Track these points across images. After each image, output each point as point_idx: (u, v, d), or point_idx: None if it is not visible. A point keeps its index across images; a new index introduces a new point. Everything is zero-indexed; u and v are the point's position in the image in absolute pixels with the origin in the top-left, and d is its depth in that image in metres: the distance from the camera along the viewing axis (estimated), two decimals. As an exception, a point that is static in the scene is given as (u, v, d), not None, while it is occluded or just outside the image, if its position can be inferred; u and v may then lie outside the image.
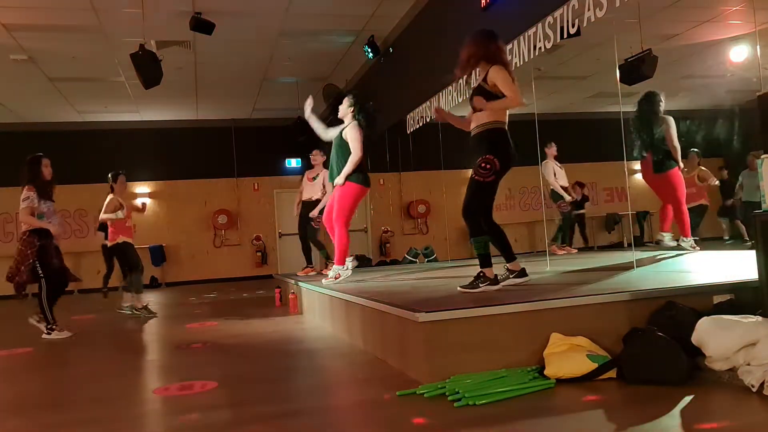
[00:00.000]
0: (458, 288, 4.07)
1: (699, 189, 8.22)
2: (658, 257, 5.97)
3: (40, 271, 5.98)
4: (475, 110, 4.05)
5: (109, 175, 7.52)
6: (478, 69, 4.10)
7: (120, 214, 7.31)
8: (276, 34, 8.66)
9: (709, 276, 4.06)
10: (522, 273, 4.15)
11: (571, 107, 13.59)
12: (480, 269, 4.03)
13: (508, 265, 4.16)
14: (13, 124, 12.52)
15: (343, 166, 5.85)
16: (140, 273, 7.59)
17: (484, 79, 3.98)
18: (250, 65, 10.01)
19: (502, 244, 4.10)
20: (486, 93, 3.95)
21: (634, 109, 6.74)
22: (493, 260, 4.07)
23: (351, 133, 5.84)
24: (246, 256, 14.07)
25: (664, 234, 6.77)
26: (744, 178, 9.83)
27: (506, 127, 4.04)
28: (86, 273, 13.11)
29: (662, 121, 6.49)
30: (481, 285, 3.96)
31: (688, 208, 6.80)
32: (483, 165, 3.92)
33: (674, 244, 6.66)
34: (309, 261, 8.26)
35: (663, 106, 6.57)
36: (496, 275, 4.04)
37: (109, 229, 7.52)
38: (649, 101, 6.57)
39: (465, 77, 4.24)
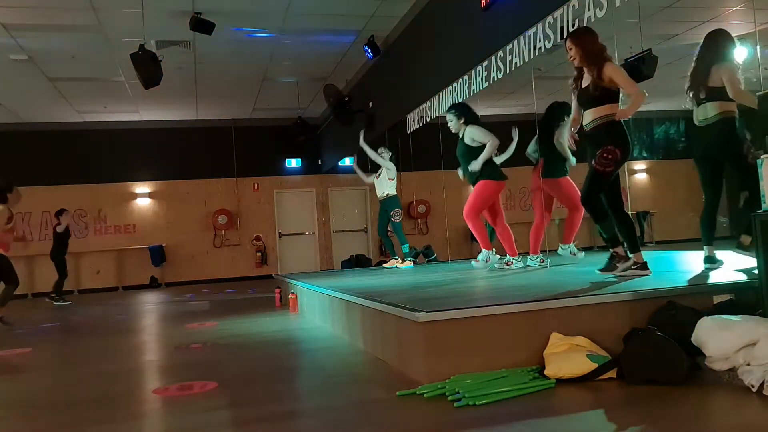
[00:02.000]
0: (597, 271, 4.29)
1: None
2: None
3: None
4: (587, 108, 4.16)
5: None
6: (586, 65, 4.14)
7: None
8: (276, 34, 8.66)
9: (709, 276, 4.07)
10: (644, 266, 4.22)
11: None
12: (612, 250, 4.25)
13: (632, 255, 4.24)
14: (13, 124, 12.51)
15: (474, 167, 5.99)
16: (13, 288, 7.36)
17: (599, 77, 4.05)
18: (250, 65, 10.01)
19: (629, 234, 4.23)
20: (601, 89, 4.05)
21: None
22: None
23: (476, 132, 5.98)
24: (246, 256, 14.07)
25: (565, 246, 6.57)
26: None
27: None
28: (85, 273, 13.14)
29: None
30: (618, 265, 4.19)
31: None
32: (605, 155, 4.05)
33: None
34: (392, 253, 8.76)
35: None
36: (631, 255, 4.20)
37: None
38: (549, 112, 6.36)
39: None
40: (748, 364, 2.75)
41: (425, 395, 2.90)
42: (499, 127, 6.33)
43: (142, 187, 13.72)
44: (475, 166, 5.91)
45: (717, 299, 3.41)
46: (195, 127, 13.74)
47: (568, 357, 3.04)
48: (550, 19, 4.91)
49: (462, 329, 3.17)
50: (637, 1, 6.21)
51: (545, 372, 3.03)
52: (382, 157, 8.29)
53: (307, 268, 13.74)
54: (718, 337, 2.84)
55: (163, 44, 8.47)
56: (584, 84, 4.18)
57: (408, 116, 8.37)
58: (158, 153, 13.63)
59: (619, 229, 4.21)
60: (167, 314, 7.92)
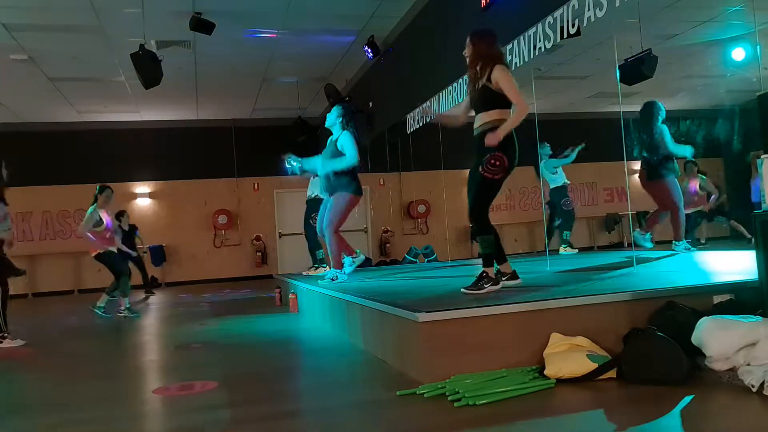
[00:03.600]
0: (462, 290, 4.03)
1: (700, 197, 8.97)
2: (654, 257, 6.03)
3: None
4: (477, 112, 4.07)
5: None
6: (478, 67, 4.07)
7: None
8: (276, 34, 8.66)
9: (709, 276, 4.07)
10: (514, 276, 4.15)
11: (571, 107, 13.58)
12: (483, 269, 4.01)
13: (499, 267, 4.15)
14: (13, 124, 12.51)
15: (337, 174, 5.85)
16: None
17: (488, 79, 3.98)
18: (250, 65, 10.01)
19: (497, 245, 4.10)
20: (491, 93, 3.96)
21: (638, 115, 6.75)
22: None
23: (346, 141, 5.84)
24: (246, 256, 14.07)
25: (643, 233, 6.78)
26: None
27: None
28: (88, 273, 13.13)
29: (659, 131, 6.54)
30: (486, 286, 3.94)
31: (690, 214, 6.89)
32: (492, 162, 3.92)
33: (650, 245, 6.74)
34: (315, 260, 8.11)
35: (663, 115, 6.58)
36: (497, 274, 4.03)
37: None
38: (647, 110, 6.62)
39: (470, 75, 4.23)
40: (748, 364, 2.75)
41: (425, 395, 2.91)
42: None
43: (142, 187, 13.71)
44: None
45: (717, 299, 3.41)
46: (195, 127, 13.73)
47: (568, 357, 3.04)
48: (550, 19, 4.91)
49: (462, 329, 3.17)
50: (637, 1, 6.21)
51: (545, 372, 3.03)
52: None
53: (307, 268, 13.71)
54: (718, 337, 2.85)
55: (163, 44, 8.47)
56: (476, 87, 4.07)
57: (408, 116, 8.37)
58: (158, 153, 13.61)
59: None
60: (167, 314, 7.92)
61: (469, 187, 4.11)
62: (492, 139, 3.87)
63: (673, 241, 6.66)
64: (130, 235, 10.67)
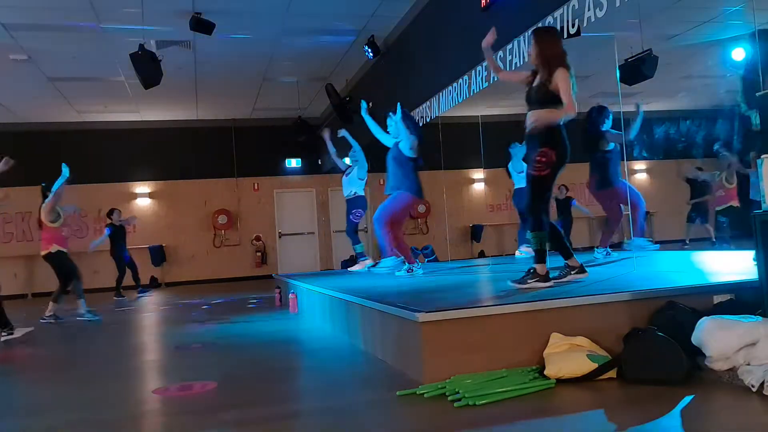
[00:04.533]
0: (509, 282, 4.09)
1: (728, 191, 8.45)
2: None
3: None
4: (531, 108, 4.11)
5: None
6: (541, 65, 4.08)
7: None
8: (276, 34, 8.66)
9: (709, 276, 4.07)
10: (582, 270, 4.18)
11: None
12: (534, 265, 4.06)
13: (567, 261, 4.20)
14: (13, 124, 12.51)
15: (399, 177, 6.03)
16: None
17: (548, 78, 3.99)
18: (250, 65, 10.01)
19: (560, 242, 4.18)
20: (547, 91, 3.99)
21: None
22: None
23: (411, 143, 6.02)
24: (246, 256, 14.07)
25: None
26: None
27: (561, 123, 4.06)
28: (85, 273, 13.09)
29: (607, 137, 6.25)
30: (530, 281, 3.98)
31: (718, 211, 6.78)
32: (539, 159, 3.97)
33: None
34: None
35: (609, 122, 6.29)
36: (548, 272, 4.06)
37: None
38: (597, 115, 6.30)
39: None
40: (748, 364, 2.75)
41: (425, 395, 2.90)
42: (499, 127, 6.33)
43: (142, 187, 13.72)
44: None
45: (717, 299, 3.41)
46: (195, 127, 13.73)
47: (568, 357, 3.04)
48: (550, 19, 4.92)
49: (462, 329, 3.17)
50: (637, 1, 6.20)
51: (545, 372, 3.03)
52: (355, 158, 8.01)
53: (307, 268, 13.73)
54: (718, 337, 2.85)
55: (163, 44, 8.47)
56: (535, 83, 4.10)
57: (408, 116, 8.36)
58: (158, 153, 13.62)
59: (549, 238, 4.11)
60: (167, 314, 7.92)
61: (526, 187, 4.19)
62: (540, 122, 3.95)
63: (597, 248, 6.58)
64: (122, 233, 10.66)
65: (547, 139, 3.97)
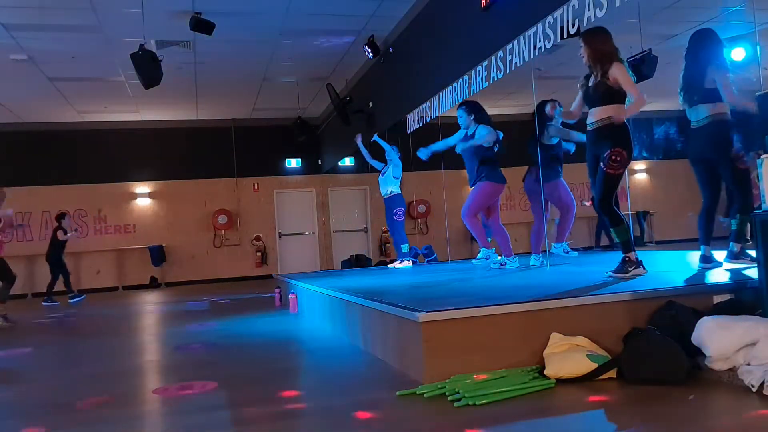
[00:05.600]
0: (607, 273, 4.20)
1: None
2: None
3: None
4: (593, 107, 4.22)
5: None
6: (595, 64, 4.17)
7: None
8: (276, 34, 8.66)
9: (709, 276, 4.07)
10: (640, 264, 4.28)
11: (571, 107, 13.56)
12: (624, 255, 4.20)
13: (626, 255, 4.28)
14: (13, 124, 12.51)
15: (477, 168, 6.08)
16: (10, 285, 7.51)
17: (605, 76, 4.09)
18: (250, 65, 10.00)
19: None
20: (607, 88, 4.10)
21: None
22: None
23: (486, 133, 6.07)
24: (246, 256, 14.07)
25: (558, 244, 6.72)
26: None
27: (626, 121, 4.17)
28: (85, 273, 13.13)
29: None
30: (630, 269, 4.14)
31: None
32: (614, 158, 4.10)
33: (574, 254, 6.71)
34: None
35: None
36: (640, 259, 4.20)
37: None
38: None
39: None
40: (748, 364, 2.75)
41: (425, 395, 2.91)
42: (499, 127, 6.33)
43: (142, 187, 13.71)
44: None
45: (717, 299, 3.41)
46: (195, 127, 13.72)
47: (568, 357, 3.04)
48: (550, 19, 4.91)
49: (462, 329, 3.17)
50: (637, 1, 6.21)
51: (545, 372, 3.03)
52: (388, 157, 8.25)
53: (307, 268, 13.73)
54: (718, 337, 2.85)
55: (163, 44, 8.46)
56: (592, 83, 4.22)
57: (408, 116, 8.37)
58: (158, 153, 13.61)
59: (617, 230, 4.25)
60: (167, 314, 7.92)
61: (594, 182, 4.29)
62: (619, 117, 4.04)
63: (554, 244, 6.63)
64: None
65: (619, 138, 4.12)
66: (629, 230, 4.23)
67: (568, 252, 6.78)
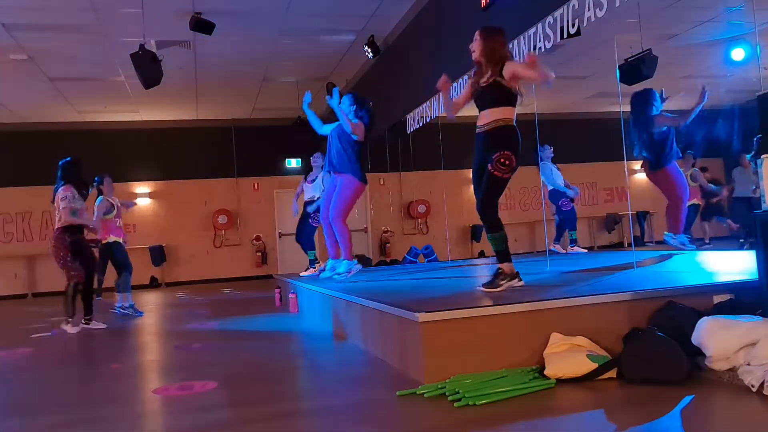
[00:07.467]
0: (479, 288, 4.01)
1: (691, 189, 8.59)
2: (659, 257, 5.97)
3: (71, 265, 6.46)
4: (482, 109, 4.05)
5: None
6: (486, 63, 4.01)
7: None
8: (276, 33, 8.66)
9: (709, 276, 4.07)
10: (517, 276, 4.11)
11: (571, 107, 13.58)
12: (499, 266, 4.01)
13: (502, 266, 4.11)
14: (13, 124, 12.51)
15: (344, 159, 5.97)
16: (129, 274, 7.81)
17: (500, 74, 3.92)
18: (250, 65, 10.01)
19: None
20: (500, 89, 3.93)
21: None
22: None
23: (357, 129, 5.97)
24: (246, 256, 14.07)
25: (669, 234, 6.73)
26: (736, 174, 10.16)
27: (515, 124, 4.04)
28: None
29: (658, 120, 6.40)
30: (502, 283, 3.93)
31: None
32: (503, 161, 3.91)
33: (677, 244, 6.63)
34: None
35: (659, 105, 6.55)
36: (517, 270, 4.02)
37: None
38: (643, 100, 6.46)
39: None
40: (748, 364, 2.75)
41: (425, 395, 2.90)
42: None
43: (142, 187, 13.71)
44: None
45: (717, 299, 3.41)
46: (195, 127, 13.73)
47: (568, 357, 3.04)
48: (550, 19, 4.92)
49: (462, 329, 3.17)
50: (637, 1, 6.21)
51: (545, 372, 3.03)
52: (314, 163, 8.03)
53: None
54: (718, 337, 2.85)
55: (163, 44, 8.46)
56: (482, 82, 4.02)
57: (408, 116, 8.37)
58: (158, 153, 13.61)
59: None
60: (167, 314, 7.92)
61: (477, 186, 4.10)
62: (532, 63, 3.77)
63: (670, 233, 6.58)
64: None
65: (510, 142, 3.94)
66: (506, 240, 4.03)
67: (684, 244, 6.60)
